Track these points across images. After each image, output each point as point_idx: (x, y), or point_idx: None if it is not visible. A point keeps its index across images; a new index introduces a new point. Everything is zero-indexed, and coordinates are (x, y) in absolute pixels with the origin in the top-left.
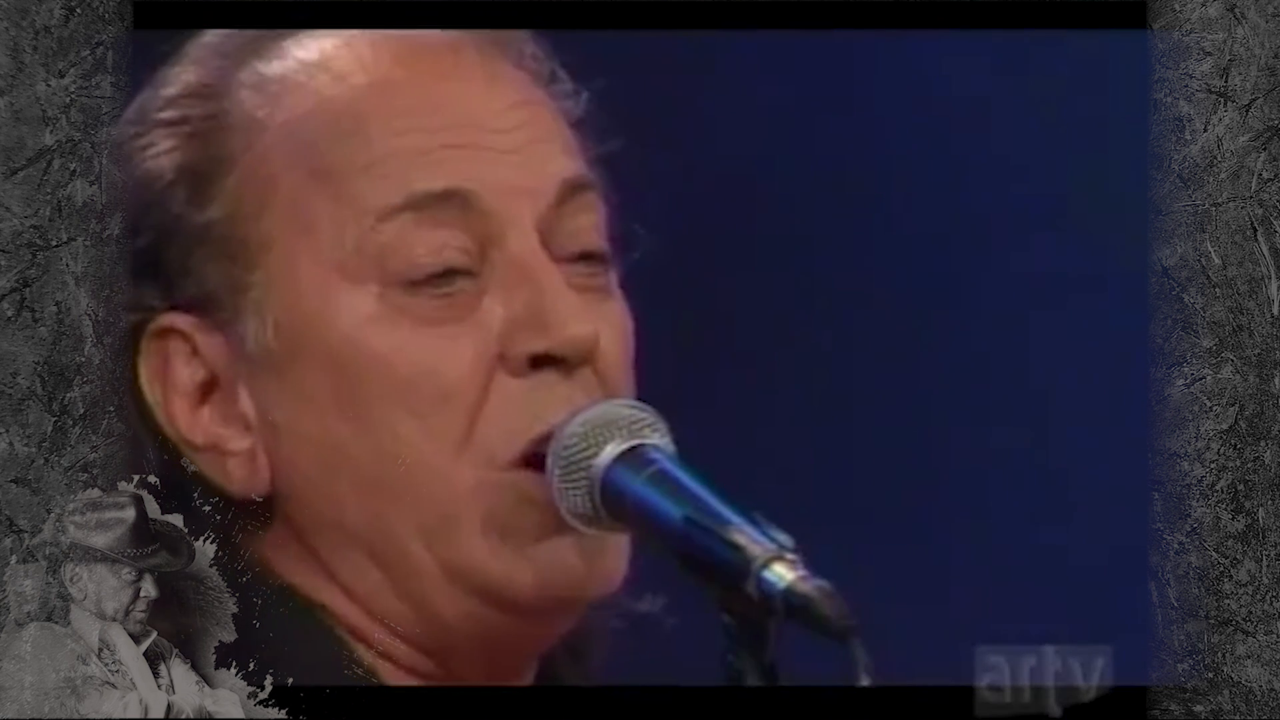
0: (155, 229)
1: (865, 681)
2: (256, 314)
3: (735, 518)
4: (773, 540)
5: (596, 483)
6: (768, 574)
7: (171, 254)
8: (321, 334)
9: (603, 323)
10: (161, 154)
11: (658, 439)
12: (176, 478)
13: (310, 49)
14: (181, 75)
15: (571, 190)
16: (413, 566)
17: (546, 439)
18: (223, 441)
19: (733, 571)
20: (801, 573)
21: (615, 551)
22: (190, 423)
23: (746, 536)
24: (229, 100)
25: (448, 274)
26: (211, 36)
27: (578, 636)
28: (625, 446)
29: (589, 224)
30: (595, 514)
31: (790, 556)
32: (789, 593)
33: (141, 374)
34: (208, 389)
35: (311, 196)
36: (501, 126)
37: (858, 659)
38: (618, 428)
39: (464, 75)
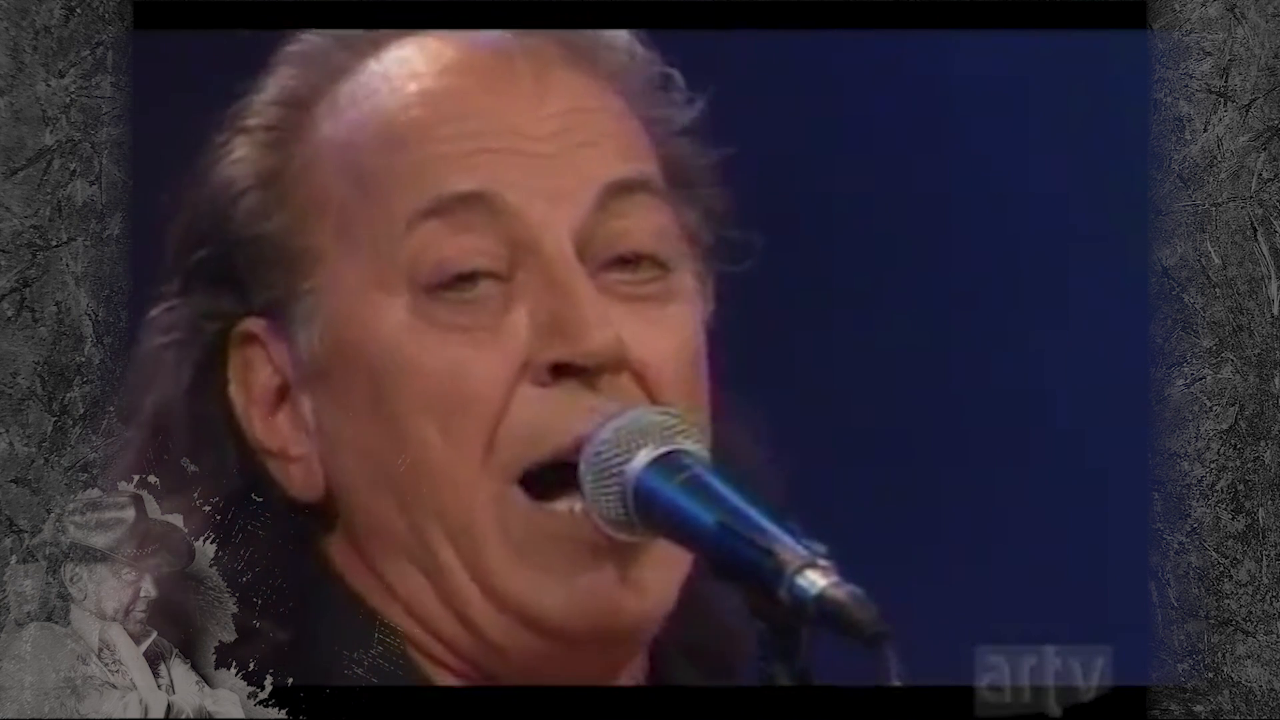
0: (224, 235)
1: (897, 682)
2: (308, 323)
3: (769, 524)
4: (806, 547)
5: (629, 488)
6: (800, 580)
7: (241, 261)
8: (362, 343)
9: (650, 330)
10: (237, 160)
11: (691, 445)
12: (256, 481)
13: (384, 60)
14: (271, 81)
15: (617, 193)
16: (450, 577)
17: (564, 451)
18: (288, 446)
19: (766, 577)
20: (834, 579)
21: (654, 582)
22: (265, 426)
23: (779, 543)
24: (306, 112)
25: (472, 278)
26: (303, 45)
27: (708, 642)
28: (658, 452)
29: (640, 226)
30: (629, 519)
31: (823, 563)
32: (821, 599)
33: (230, 380)
34: (283, 394)
35: (356, 206)
36: (540, 133)
37: (890, 665)
38: (650, 434)
39: (511, 83)
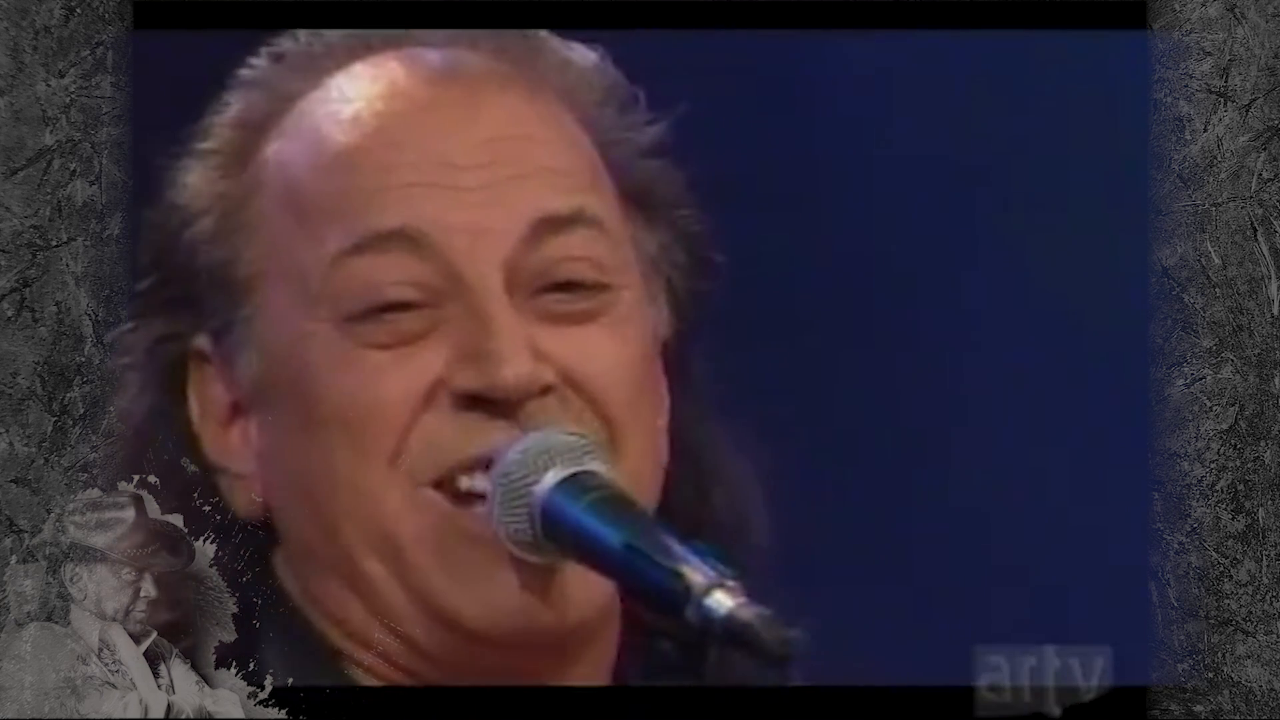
0: (176, 261)
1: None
2: (246, 347)
3: (675, 545)
4: (714, 568)
5: (537, 509)
6: (708, 601)
7: (193, 287)
8: (290, 368)
9: (583, 349)
10: (188, 185)
11: (599, 466)
12: (211, 498)
13: (330, 86)
14: (225, 106)
15: (547, 228)
16: (375, 586)
17: (473, 467)
18: (233, 464)
19: (674, 598)
20: (742, 600)
21: (577, 586)
22: (214, 443)
23: (687, 564)
24: (258, 137)
25: (396, 307)
26: (255, 71)
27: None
28: (566, 473)
29: (574, 258)
30: (535, 540)
31: (731, 584)
32: (729, 619)
33: (189, 395)
34: (235, 411)
35: (288, 234)
36: (469, 163)
37: (793, 682)
38: (558, 455)
39: (446, 108)
